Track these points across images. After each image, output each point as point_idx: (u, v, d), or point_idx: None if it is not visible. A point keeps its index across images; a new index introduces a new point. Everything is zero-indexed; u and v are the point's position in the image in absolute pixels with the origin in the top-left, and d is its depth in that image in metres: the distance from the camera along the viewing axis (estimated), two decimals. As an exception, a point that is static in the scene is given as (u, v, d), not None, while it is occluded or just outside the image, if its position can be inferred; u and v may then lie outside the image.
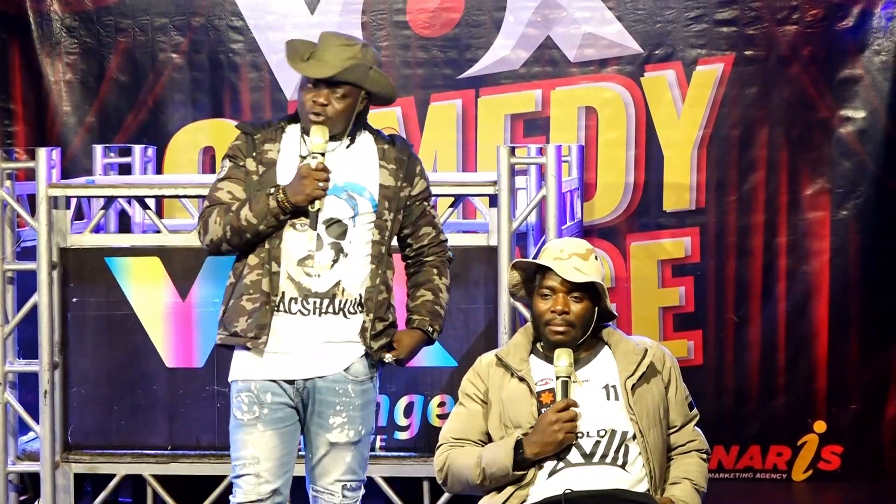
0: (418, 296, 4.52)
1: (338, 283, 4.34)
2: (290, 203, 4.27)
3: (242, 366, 4.40)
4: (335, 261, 4.34)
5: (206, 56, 7.28)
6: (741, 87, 7.10)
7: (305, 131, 4.37)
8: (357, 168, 4.37)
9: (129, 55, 7.29)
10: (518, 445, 4.15)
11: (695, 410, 4.39)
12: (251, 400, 4.36)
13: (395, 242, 4.54)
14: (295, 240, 4.33)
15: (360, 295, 4.37)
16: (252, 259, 4.34)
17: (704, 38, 7.10)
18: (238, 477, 4.38)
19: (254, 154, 4.36)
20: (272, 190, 4.29)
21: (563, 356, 4.20)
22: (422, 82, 7.21)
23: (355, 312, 4.37)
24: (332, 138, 4.34)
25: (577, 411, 4.14)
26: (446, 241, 4.61)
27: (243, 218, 4.28)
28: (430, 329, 4.51)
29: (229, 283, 4.41)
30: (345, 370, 4.39)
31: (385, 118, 7.19)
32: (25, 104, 7.39)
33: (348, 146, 4.40)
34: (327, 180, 4.29)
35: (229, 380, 4.45)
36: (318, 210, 4.30)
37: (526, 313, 5.33)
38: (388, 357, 4.45)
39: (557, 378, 4.18)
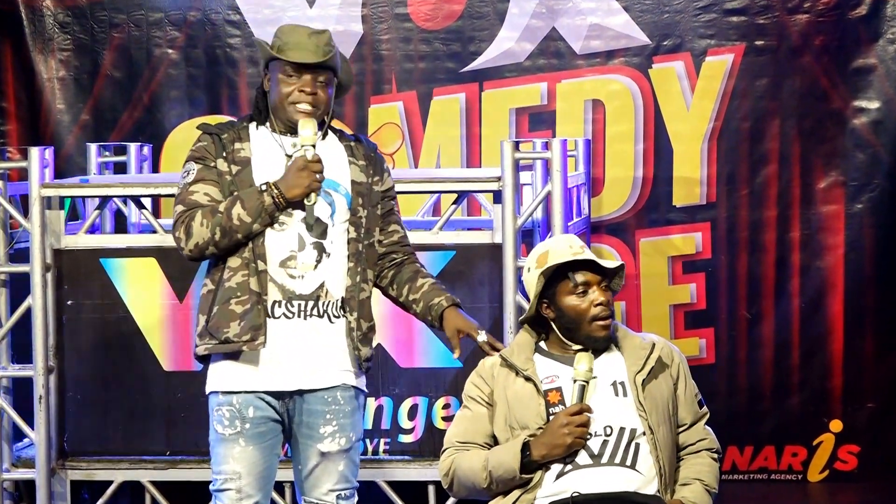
0: (420, 285, 4.42)
1: (322, 285, 4.28)
2: (285, 198, 4.20)
3: (223, 377, 4.31)
4: (318, 261, 4.27)
5: (203, 51, 7.27)
6: (752, 79, 7.09)
7: (284, 128, 4.29)
8: (330, 165, 4.30)
9: (124, 51, 7.29)
10: (525, 447, 4.12)
11: (704, 408, 4.35)
12: (233, 414, 4.29)
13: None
14: (276, 240, 4.25)
15: (342, 297, 4.31)
16: (233, 261, 4.26)
17: (714, 29, 7.09)
18: (219, 490, 4.33)
19: (224, 154, 4.28)
20: (263, 186, 4.21)
21: (585, 360, 4.16)
22: (424, 76, 7.21)
23: (339, 316, 4.31)
24: None
25: (590, 416, 4.10)
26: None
27: (235, 217, 4.19)
28: (457, 301, 4.42)
29: (207, 291, 4.32)
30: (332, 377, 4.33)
31: (387, 113, 7.22)
32: (18, 102, 7.39)
33: (320, 141, 4.32)
34: (322, 171, 4.22)
35: (207, 391, 4.37)
36: (314, 203, 4.23)
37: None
38: (482, 336, 4.36)
39: (575, 381, 4.15)
